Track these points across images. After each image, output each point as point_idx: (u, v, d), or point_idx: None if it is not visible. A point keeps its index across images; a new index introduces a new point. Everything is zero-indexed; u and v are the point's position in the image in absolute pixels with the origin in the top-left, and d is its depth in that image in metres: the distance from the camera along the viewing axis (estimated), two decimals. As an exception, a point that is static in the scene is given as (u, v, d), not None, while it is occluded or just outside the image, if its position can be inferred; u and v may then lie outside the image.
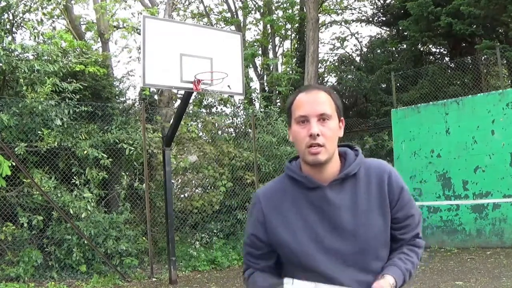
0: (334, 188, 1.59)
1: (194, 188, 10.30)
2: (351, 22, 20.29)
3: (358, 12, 20.63)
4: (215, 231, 9.67)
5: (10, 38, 8.49)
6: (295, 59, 17.78)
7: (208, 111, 12.02)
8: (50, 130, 7.68)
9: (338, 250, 1.55)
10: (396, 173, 1.66)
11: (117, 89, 10.11)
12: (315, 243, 1.55)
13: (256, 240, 1.68)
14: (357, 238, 1.55)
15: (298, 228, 1.58)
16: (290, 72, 16.83)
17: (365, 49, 19.14)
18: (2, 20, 8.36)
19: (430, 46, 14.59)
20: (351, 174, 1.61)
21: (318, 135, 1.55)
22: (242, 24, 18.61)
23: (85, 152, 7.88)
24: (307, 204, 1.60)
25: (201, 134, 10.80)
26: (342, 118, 1.72)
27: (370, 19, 18.35)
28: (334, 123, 1.64)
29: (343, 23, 20.56)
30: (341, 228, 1.56)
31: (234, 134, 11.78)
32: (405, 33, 14.50)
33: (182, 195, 9.96)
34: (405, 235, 1.64)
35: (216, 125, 11.07)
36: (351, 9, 20.78)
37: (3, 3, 8.13)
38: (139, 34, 11.26)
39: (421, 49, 14.74)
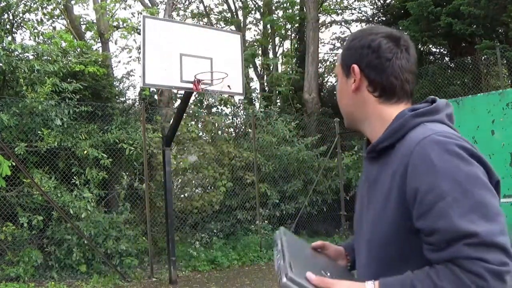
0: (369, 160, 1.32)
1: (194, 188, 10.30)
2: (351, 22, 20.30)
3: (358, 12, 20.65)
4: (215, 231, 9.67)
5: (10, 38, 8.50)
6: (295, 59, 17.78)
7: (208, 111, 12.02)
8: (50, 130, 7.68)
9: (356, 231, 1.38)
10: (428, 159, 1.10)
11: (117, 89, 10.12)
12: (356, 215, 1.40)
13: None
14: (364, 227, 1.30)
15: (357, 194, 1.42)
16: (290, 72, 16.82)
17: (365, 49, 19.11)
18: (2, 20, 8.37)
19: (430, 46, 14.58)
20: (380, 147, 1.25)
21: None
22: (242, 24, 18.61)
23: (85, 152, 7.88)
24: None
25: (201, 134, 10.80)
26: (352, 65, 1.31)
27: (370, 19, 18.35)
28: (340, 82, 1.37)
29: (343, 23, 20.57)
30: (365, 208, 1.31)
31: (234, 134, 11.78)
32: (405, 33, 14.47)
33: (182, 195, 9.96)
34: (431, 254, 1.11)
35: (216, 125, 11.07)
36: (351, 9, 20.79)
37: (3, 3, 8.13)
38: (139, 34, 11.26)
39: (421, 49, 14.73)
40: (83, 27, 13.94)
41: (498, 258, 1.04)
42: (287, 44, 20.51)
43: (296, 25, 18.01)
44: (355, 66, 1.31)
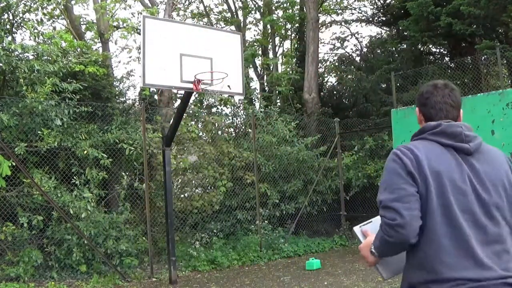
0: None
1: (194, 188, 10.30)
2: (351, 22, 20.29)
3: (358, 12, 20.65)
4: (215, 231, 9.67)
5: (10, 38, 8.49)
6: (295, 59, 17.77)
7: (208, 111, 12.02)
8: (50, 130, 7.68)
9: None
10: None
11: (117, 89, 10.11)
12: None
13: None
14: None
15: None
16: (290, 72, 16.81)
17: (365, 49, 19.14)
18: (2, 20, 8.37)
19: (430, 46, 14.58)
20: None
21: None
22: (242, 24, 18.61)
23: (85, 152, 7.88)
24: None
25: (201, 134, 10.80)
26: (416, 108, 2.12)
27: (370, 19, 18.36)
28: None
29: (343, 23, 20.56)
30: None
31: (234, 134, 11.78)
32: (405, 33, 14.50)
33: (182, 195, 9.96)
34: None
35: (216, 125, 11.07)
36: (351, 9, 20.79)
37: (3, 3, 8.13)
38: (139, 34, 11.26)
39: (421, 49, 14.73)
40: (83, 27, 13.94)
41: (390, 215, 1.78)
42: (287, 44, 20.53)
43: (296, 25, 18.00)
44: (417, 108, 2.10)
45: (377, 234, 1.86)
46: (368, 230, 2.06)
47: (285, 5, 18.24)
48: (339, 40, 20.23)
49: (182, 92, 8.07)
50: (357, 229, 2.14)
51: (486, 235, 1.76)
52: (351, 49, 22.59)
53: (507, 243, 1.79)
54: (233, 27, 18.18)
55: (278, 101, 16.18)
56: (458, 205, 1.76)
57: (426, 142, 1.91)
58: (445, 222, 1.75)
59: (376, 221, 2.00)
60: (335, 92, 17.45)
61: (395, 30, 16.56)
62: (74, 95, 8.08)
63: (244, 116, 11.93)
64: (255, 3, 19.20)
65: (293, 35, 19.01)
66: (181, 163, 9.40)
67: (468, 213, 1.76)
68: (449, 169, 1.80)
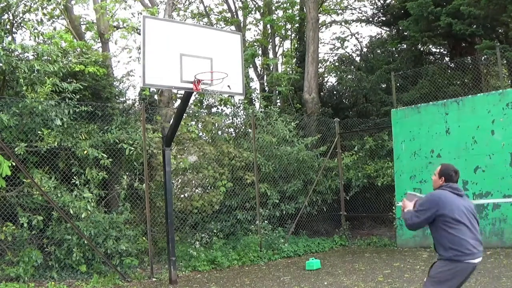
0: None
1: (194, 188, 10.30)
2: (351, 22, 20.30)
3: (358, 12, 20.66)
4: (215, 231, 9.67)
5: (10, 38, 8.49)
6: (295, 59, 17.77)
7: (208, 111, 12.02)
8: (50, 130, 7.68)
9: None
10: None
11: (117, 89, 10.10)
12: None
13: None
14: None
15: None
16: (290, 72, 16.82)
17: (365, 49, 19.14)
18: (2, 20, 8.36)
19: (430, 46, 14.59)
20: None
21: None
22: (242, 24, 18.61)
23: (85, 152, 7.88)
24: None
25: (201, 134, 10.80)
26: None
27: (370, 19, 18.36)
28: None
29: (343, 23, 20.57)
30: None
31: (234, 134, 11.78)
32: (405, 33, 14.50)
33: (182, 195, 9.96)
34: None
35: (216, 125, 11.07)
36: (351, 9, 20.80)
37: (3, 3, 8.12)
38: (139, 34, 11.25)
39: (421, 49, 14.74)
40: (83, 27, 13.92)
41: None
42: (287, 44, 20.53)
43: (296, 25, 18.00)
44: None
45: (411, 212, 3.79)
46: (414, 197, 3.90)
47: (285, 5, 18.24)
48: (339, 40, 20.23)
49: (182, 92, 8.07)
50: (410, 192, 4.07)
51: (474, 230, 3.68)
52: (351, 49, 22.64)
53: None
54: (233, 27, 18.18)
55: (278, 101, 16.19)
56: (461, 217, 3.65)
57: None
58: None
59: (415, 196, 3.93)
60: (335, 92, 17.45)
61: (395, 30, 16.56)
62: (74, 95, 8.08)
63: (244, 116, 11.93)
64: (255, 3, 19.21)
65: (293, 35, 19.01)
66: (181, 163, 9.40)
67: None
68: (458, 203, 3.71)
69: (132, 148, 8.39)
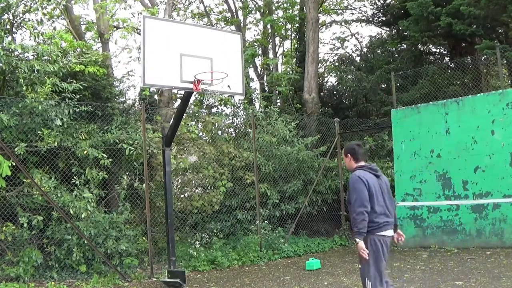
0: None
1: (194, 188, 10.30)
2: (351, 22, 20.30)
3: (358, 12, 20.66)
4: (215, 231, 9.67)
5: (10, 38, 8.49)
6: (295, 59, 17.78)
7: (208, 111, 12.02)
8: (50, 130, 7.68)
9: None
10: (350, 181, 4.17)
11: (117, 89, 10.11)
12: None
13: None
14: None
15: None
16: (290, 72, 16.83)
17: (365, 49, 19.15)
18: (2, 20, 8.36)
19: (430, 46, 14.59)
20: None
21: None
22: (242, 24, 18.61)
23: (85, 152, 7.88)
24: None
25: (201, 134, 10.80)
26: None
27: (370, 19, 18.36)
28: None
29: (343, 23, 20.57)
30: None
31: (234, 134, 11.78)
32: (405, 33, 14.51)
33: (182, 195, 9.97)
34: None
35: (216, 125, 11.07)
36: (351, 9, 20.81)
37: (3, 3, 8.12)
38: (139, 34, 11.25)
39: (421, 49, 14.74)
40: (83, 27, 13.92)
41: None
42: (287, 44, 20.55)
43: (296, 25, 18.01)
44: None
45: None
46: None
47: (285, 5, 18.25)
48: (339, 40, 20.25)
49: (182, 92, 8.07)
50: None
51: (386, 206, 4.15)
52: (351, 49, 22.63)
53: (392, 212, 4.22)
54: (233, 27, 18.18)
55: (278, 101, 16.20)
56: (379, 195, 4.12)
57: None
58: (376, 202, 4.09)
59: None
60: (335, 92, 17.45)
61: (395, 30, 16.56)
62: (74, 95, 8.08)
63: (244, 116, 11.93)
64: (255, 3, 19.21)
65: (293, 35, 19.02)
66: (181, 163, 9.40)
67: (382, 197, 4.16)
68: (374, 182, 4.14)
69: (132, 148, 8.39)
